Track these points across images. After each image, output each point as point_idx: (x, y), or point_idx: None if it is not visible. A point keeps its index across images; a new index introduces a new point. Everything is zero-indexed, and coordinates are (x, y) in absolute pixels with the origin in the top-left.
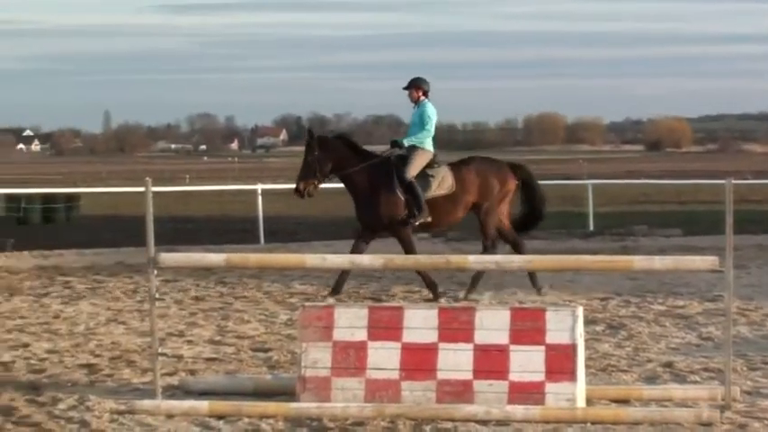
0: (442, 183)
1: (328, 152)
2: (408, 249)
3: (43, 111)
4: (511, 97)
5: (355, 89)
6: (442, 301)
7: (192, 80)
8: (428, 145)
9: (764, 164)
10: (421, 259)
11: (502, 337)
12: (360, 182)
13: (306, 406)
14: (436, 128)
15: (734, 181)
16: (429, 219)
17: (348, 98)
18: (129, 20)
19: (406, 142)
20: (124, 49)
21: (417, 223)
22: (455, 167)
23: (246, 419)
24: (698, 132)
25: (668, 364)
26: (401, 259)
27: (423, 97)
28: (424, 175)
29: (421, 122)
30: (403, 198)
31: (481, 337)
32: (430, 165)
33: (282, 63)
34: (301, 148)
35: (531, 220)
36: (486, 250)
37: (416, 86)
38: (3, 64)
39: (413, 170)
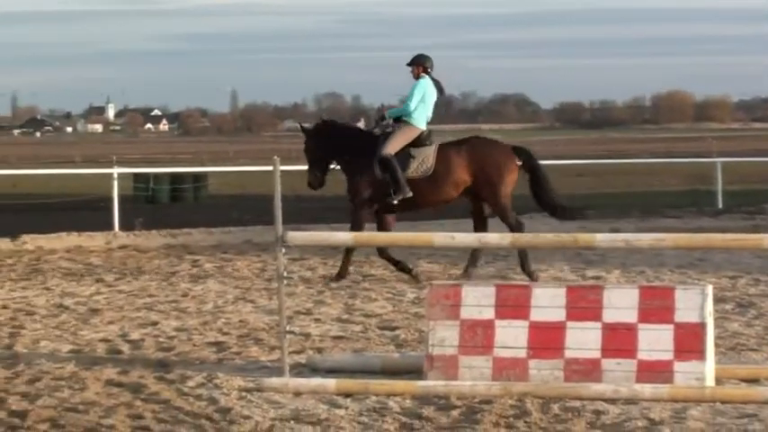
0: (422, 164)
1: (315, 140)
2: (352, 228)
3: (171, 91)
4: (638, 75)
5: (482, 67)
6: (569, 278)
7: (320, 59)
8: (416, 121)
9: None
10: (548, 238)
11: (630, 316)
12: (348, 163)
13: (433, 384)
14: (436, 104)
15: None
16: (409, 194)
17: (475, 77)
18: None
19: (388, 115)
20: (253, 29)
21: (396, 201)
22: (443, 148)
23: (374, 397)
24: None
25: None
26: (528, 238)
27: (423, 74)
28: (405, 154)
29: (407, 98)
30: (380, 176)
31: (609, 315)
32: (416, 143)
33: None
34: (430, 127)
35: (547, 204)
36: (512, 229)
37: (418, 63)
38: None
39: (391, 147)
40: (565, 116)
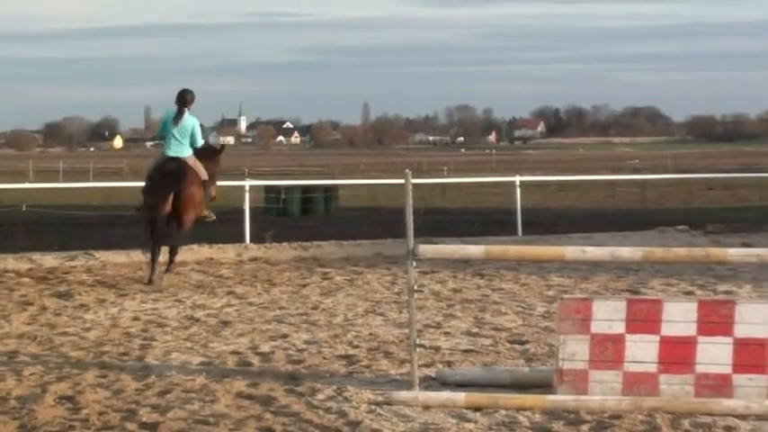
0: None
1: None
2: None
3: (303, 103)
4: None
5: (614, 80)
6: (699, 293)
7: (452, 72)
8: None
9: None
10: (680, 253)
11: (762, 331)
12: None
13: (563, 398)
14: None
15: None
16: None
17: (607, 90)
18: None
19: None
20: (386, 42)
21: None
22: None
23: (503, 411)
24: None
25: None
26: (661, 252)
27: None
28: None
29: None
30: None
31: (741, 330)
32: None
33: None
34: (559, 140)
35: None
36: None
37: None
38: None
39: None
40: (697, 129)
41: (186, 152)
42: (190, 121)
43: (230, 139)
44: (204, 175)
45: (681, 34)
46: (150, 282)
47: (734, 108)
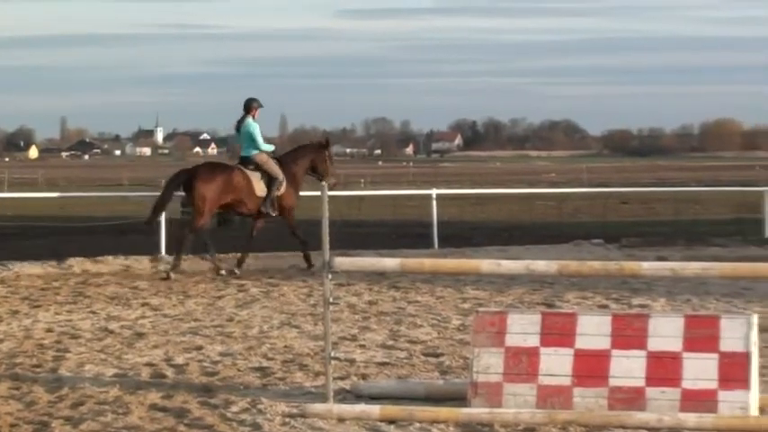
0: None
1: None
2: None
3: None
4: (687, 103)
5: (532, 94)
6: (614, 306)
7: (369, 85)
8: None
9: None
10: (595, 266)
11: (675, 344)
12: None
13: (477, 411)
14: None
15: None
16: None
17: (524, 103)
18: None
19: None
20: (303, 54)
21: None
22: None
23: (417, 424)
24: None
25: None
26: (575, 265)
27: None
28: None
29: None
30: None
31: (654, 344)
32: None
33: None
34: (477, 153)
35: None
36: None
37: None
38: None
39: None
40: (613, 143)
41: (252, 152)
42: (249, 126)
43: (147, 151)
44: (276, 171)
45: (598, 49)
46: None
47: (650, 122)
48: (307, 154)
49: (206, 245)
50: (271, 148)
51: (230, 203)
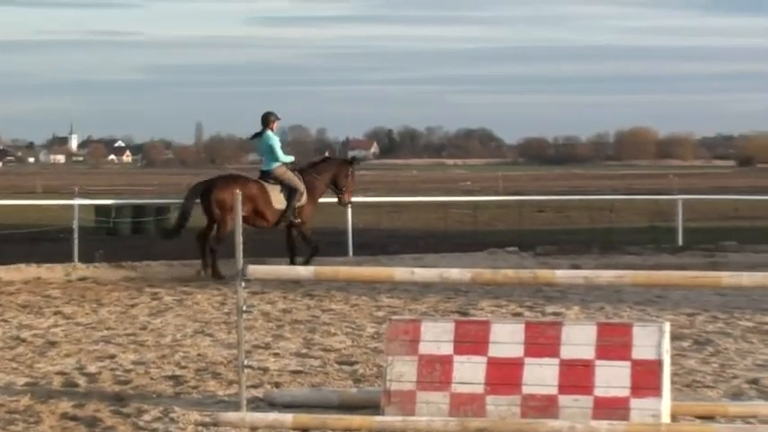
0: None
1: None
2: None
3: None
4: (602, 112)
5: (448, 102)
6: (528, 314)
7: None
8: None
9: None
10: (509, 274)
11: (588, 352)
12: None
13: (390, 419)
14: None
15: None
16: None
17: (440, 111)
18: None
19: None
20: (220, 62)
21: None
22: None
23: None
24: None
25: (754, 381)
26: (489, 273)
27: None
28: None
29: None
30: None
31: (567, 351)
32: None
33: (375, 76)
34: (393, 161)
35: None
36: None
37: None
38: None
39: None
40: (529, 152)
41: (272, 165)
42: (268, 139)
43: (61, 158)
44: (296, 183)
45: (514, 57)
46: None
47: (565, 131)
48: (330, 168)
49: (210, 252)
50: (290, 159)
51: (247, 215)
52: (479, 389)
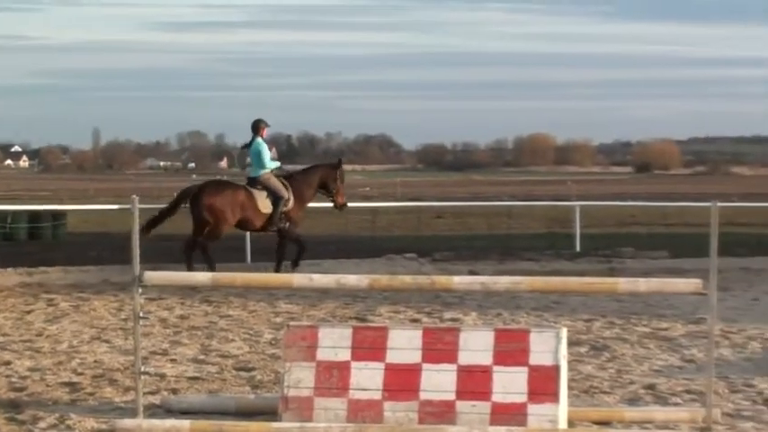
0: None
1: None
2: None
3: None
4: (501, 118)
5: (347, 108)
6: (426, 320)
7: (184, 98)
8: None
9: (752, 187)
10: (406, 280)
11: (485, 358)
12: None
13: (288, 426)
14: None
15: (720, 204)
16: None
17: (339, 117)
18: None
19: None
20: (117, 66)
21: None
22: None
23: None
24: (688, 155)
25: (650, 386)
26: (386, 279)
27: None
28: None
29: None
30: None
31: (465, 357)
32: None
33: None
34: (291, 167)
35: None
36: None
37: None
38: None
39: None
40: (428, 158)
41: (260, 172)
42: (257, 146)
43: None
44: (280, 190)
45: (414, 63)
46: None
47: (464, 137)
48: (318, 172)
49: (189, 258)
50: (276, 165)
51: (236, 220)
52: (377, 395)
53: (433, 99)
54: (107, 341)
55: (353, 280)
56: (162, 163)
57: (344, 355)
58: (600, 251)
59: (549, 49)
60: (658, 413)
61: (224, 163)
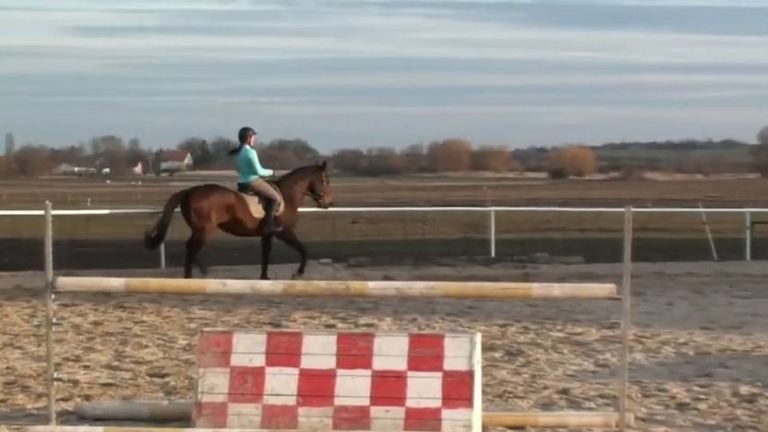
0: None
1: None
2: None
3: None
4: (417, 124)
5: (262, 113)
6: (341, 325)
7: (98, 103)
8: None
9: (666, 192)
10: (321, 285)
11: (400, 364)
12: None
13: None
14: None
15: (634, 209)
16: None
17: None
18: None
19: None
20: (30, 71)
21: None
22: None
23: None
24: (602, 161)
25: (564, 391)
26: (301, 285)
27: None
28: None
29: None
30: None
31: (379, 363)
32: None
33: (189, 87)
34: (206, 172)
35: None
36: None
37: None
38: None
39: None
40: (343, 163)
41: (250, 178)
42: (247, 153)
43: None
44: (272, 194)
45: (329, 68)
46: None
47: (379, 142)
48: (305, 176)
49: (198, 261)
50: (269, 173)
51: (227, 223)
52: (291, 400)
53: (348, 104)
54: (20, 347)
55: (268, 285)
56: (76, 168)
57: (259, 360)
58: (515, 256)
59: (463, 55)
60: (572, 417)
61: (138, 168)
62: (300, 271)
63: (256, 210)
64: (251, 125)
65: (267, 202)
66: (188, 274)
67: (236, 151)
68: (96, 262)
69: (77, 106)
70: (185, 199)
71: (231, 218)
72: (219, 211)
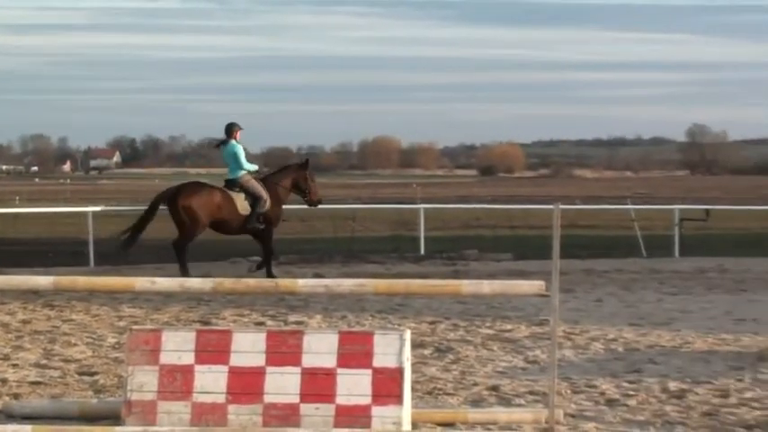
0: None
1: None
2: None
3: None
4: (347, 121)
5: (191, 111)
6: (270, 323)
7: (26, 101)
8: None
9: (595, 189)
10: (250, 283)
11: (329, 361)
12: None
13: (131, 430)
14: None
15: (562, 206)
16: None
17: (183, 121)
18: None
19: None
20: None
21: None
22: None
23: None
24: (532, 158)
25: (494, 388)
26: (230, 283)
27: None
28: None
29: None
30: None
31: (309, 360)
32: None
33: (118, 85)
34: (136, 170)
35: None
36: None
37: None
38: None
39: None
40: (273, 161)
41: (237, 174)
42: (232, 148)
43: None
44: (259, 192)
45: (258, 66)
46: None
47: (309, 140)
48: (289, 174)
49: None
50: (254, 167)
51: (215, 221)
52: (221, 398)
53: (278, 102)
54: None
55: (197, 283)
56: (4, 167)
57: (188, 358)
58: (444, 253)
59: (392, 53)
60: (502, 414)
61: (67, 166)
62: (259, 267)
63: (243, 207)
64: (180, 123)
65: (254, 200)
66: (185, 273)
67: (221, 144)
68: (25, 260)
69: (5, 104)
70: (173, 197)
71: (219, 216)
72: (208, 208)
